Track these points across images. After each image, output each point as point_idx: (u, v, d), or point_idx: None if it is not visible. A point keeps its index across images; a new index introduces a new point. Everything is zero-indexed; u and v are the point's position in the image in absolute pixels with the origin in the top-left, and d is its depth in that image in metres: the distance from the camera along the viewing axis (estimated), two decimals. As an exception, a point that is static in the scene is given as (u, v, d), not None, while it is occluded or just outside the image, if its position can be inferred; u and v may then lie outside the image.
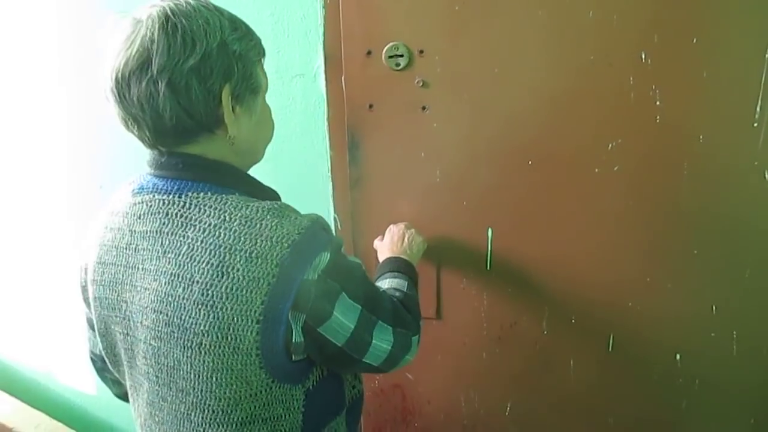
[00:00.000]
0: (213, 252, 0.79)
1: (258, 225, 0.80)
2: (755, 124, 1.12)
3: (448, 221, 1.34)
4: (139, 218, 0.86)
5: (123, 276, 0.87)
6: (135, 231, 0.86)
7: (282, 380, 0.85)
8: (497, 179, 1.28)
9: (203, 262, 0.80)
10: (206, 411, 0.85)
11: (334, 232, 1.36)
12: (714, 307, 1.26)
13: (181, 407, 0.87)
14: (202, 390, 0.84)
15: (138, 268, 0.85)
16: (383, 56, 1.24)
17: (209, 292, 0.79)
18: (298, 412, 0.89)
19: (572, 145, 1.22)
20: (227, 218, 0.81)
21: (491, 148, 1.26)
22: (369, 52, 1.25)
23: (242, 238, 0.79)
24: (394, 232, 1.28)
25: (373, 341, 0.91)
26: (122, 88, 0.78)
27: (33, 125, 1.83)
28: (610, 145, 1.20)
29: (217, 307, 0.79)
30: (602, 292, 1.31)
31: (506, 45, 1.18)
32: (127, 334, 0.90)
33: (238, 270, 0.78)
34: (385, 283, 1.11)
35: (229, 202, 0.82)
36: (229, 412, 0.84)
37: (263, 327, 0.79)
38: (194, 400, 0.85)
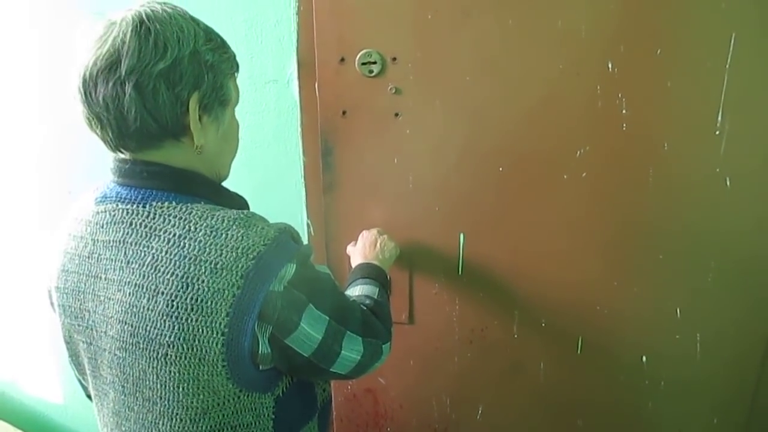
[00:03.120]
0: (177, 263, 0.79)
1: (223, 235, 0.79)
2: (717, 132, 1.16)
3: (421, 227, 1.35)
4: (102, 227, 0.85)
5: (85, 285, 0.86)
6: (98, 240, 0.85)
7: (250, 389, 0.85)
8: (469, 185, 1.30)
9: (168, 273, 0.79)
10: (174, 420, 0.84)
11: (306, 238, 1.38)
12: (678, 310, 1.30)
13: (148, 416, 0.86)
14: (169, 399, 0.83)
15: (101, 277, 0.84)
16: (356, 63, 1.25)
17: (174, 303, 0.78)
18: (268, 419, 0.89)
19: (542, 151, 1.25)
20: (192, 228, 0.80)
21: (463, 155, 1.28)
22: (342, 59, 1.25)
23: (207, 249, 0.78)
24: (366, 237, 1.29)
25: (342, 351, 0.90)
26: (89, 87, 0.77)
27: (6, 133, 1.80)
28: (578, 152, 1.23)
29: (182, 319, 0.78)
30: (571, 296, 1.34)
31: (477, 53, 1.20)
32: (90, 343, 0.89)
33: (203, 281, 0.77)
34: (356, 290, 1.11)
35: (194, 212, 0.81)
36: (197, 420, 0.84)
37: (228, 339, 0.78)
38: (161, 410, 0.85)
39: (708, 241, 1.24)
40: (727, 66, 1.12)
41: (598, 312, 1.34)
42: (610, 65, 1.16)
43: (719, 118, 1.15)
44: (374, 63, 1.24)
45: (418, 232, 1.36)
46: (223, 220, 0.81)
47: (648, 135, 1.19)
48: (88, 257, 0.86)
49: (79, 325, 0.89)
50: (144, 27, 0.77)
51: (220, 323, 0.77)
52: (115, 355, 0.85)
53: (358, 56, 1.24)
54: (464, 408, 1.49)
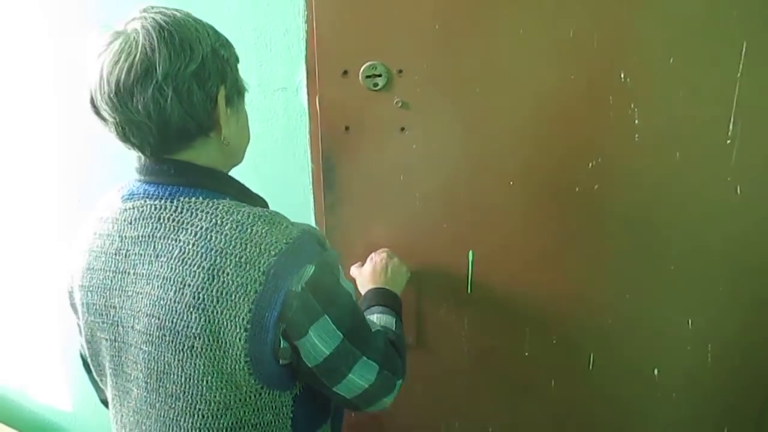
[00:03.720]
0: (204, 255, 0.80)
1: (249, 230, 0.81)
2: (728, 141, 1.15)
3: (429, 245, 1.30)
4: (130, 224, 0.86)
5: (112, 281, 0.87)
6: (125, 236, 0.86)
7: (272, 386, 0.85)
8: (478, 201, 1.26)
9: (195, 265, 0.80)
10: (196, 416, 0.85)
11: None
12: (690, 321, 1.28)
13: (170, 413, 0.87)
14: (192, 394, 0.84)
15: (129, 272, 0.86)
16: (360, 76, 1.19)
17: (200, 295, 0.79)
18: (287, 418, 0.89)
19: (553, 164, 1.22)
20: (219, 222, 0.82)
21: (472, 169, 1.24)
22: (345, 72, 1.20)
23: (233, 242, 0.80)
24: (376, 261, 1.23)
25: (350, 375, 0.88)
26: (124, 97, 0.78)
27: (10, 139, 1.81)
28: (590, 164, 1.20)
29: (208, 310, 0.79)
30: (583, 310, 1.31)
31: (487, 64, 1.16)
32: (115, 340, 0.90)
33: (228, 274, 0.79)
34: (374, 318, 1.06)
35: (221, 207, 0.83)
36: (218, 416, 0.84)
37: (251, 335, 0.79)
38: (184, 405, 0.85)
39: (718, 249, 1.23)
40: (739, 74, 1.12)
41: (610, 326, 1.31)
42: (622, 75, 1.14)
43: (731, 126, 1.15)
44: (379, 76, 1.18)
45: (425, 250, 1.30)
46: (249, 216, 0.82)
47: (660, 145, 1.18)
48: (116, 254, 0.87)
49: (103, 323, 0.90)
50: (167, 32, 0.78)
51: (243, 318, 0.78)
52: (141, 349, 0.86)
53: (362, 69, 1.19)
54: (474, 431, 1.43)
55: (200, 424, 0.85)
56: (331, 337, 0.84)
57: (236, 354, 0.80)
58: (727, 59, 1.11)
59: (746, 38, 1.09)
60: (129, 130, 0.81)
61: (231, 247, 0.80)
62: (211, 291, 0.79)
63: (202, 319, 0.79)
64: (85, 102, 0.82)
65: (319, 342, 0.83)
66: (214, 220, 0.82)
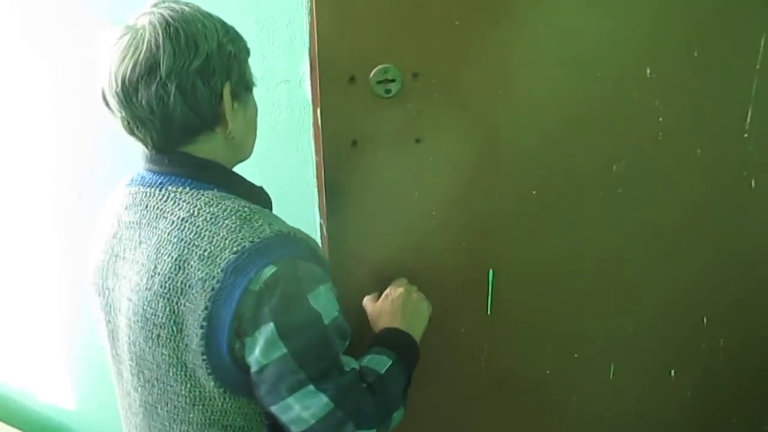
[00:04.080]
0: (175, 245, 0.80)
1: (220, 224, 0.80)
2: (746, 135, 1.13)
3: (447, 266, 1.17)
4: (126, 209, 0.88)
5: (108, 264, 0.89)
6: (122, 221, 0.88)
7: (237, 393, 0.83)
8: (499, 215, 1.15)
9: (165, 254, 0.81)
10: (169, 404, 0.86)
11: (318, 239, 1.21)
12: (705, 319, 1.26)
13: (149, 398, 0.88)
14: (163, 382, 0.85)
15: (120, 256, 0.87)
16: (371, 82, 1.03)
17: (167, 284, 0.80)
18: (261, 426, 0.87)
19: (577, 168, 1.13)
20: (195, 213, 0.81)
21: (493, 179, 1.12)
22: (352, 78, 1.03)
23: (202, 235, 0.79)
24: (393, 297, 1.08)
25: (290, 400, 0.80)
26: (129, 93, 0.79)
27: (10, 134, 1.80)
28: (614, 167, 1.13)
29: (173, 301, 0.79)
30: (606, 321, 1.25)
31: (511, 64, 1.05)
32: (109, 321, 0.92)
33: (192, 267, 0.78)
34: (363, 360, 0.93)
35: (203, 198, 0.83)
36: (188, 410, 0.84)
37: (206, 332, 0.77)
38: (158, 393, 0.86)
39: (733, 243, 1.21)
40: (758, 66, 1.09)
41: (630, 333, 1.26)
42: (648, 71, 1.07)
43: (748, 120, 1.12)
44: (392, 81, 1.03)
45: (443, 271, 1.17)
46: (225, 209, 0.81)
47: (683, 143, 1.13)
48: (113, 237, 0.89)
49: (101, 303, 0.92)
50: (173, 28, 0.78)
51: (200, 315, 0.77)
52: (125, 332, 0.87)
53: (372, 73, 1.03)
54: (494, 459, 1.33)
55: (174, 415, 0.86)
56: (272, 348, 0.78)
57: (195, 351, 0.79)
58: (747, 51, 1.08)
59: (766, 30, 1.06)
60: (134, 125, 0.82)
61: (199, 239, 0.79)
62: (176, 282, 0.79)
63: (168, 309, 0.80)
64: (98, 96, 0.83)
65: (259, 348, 0.78)
66: (191, 210, 0.81)
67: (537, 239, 1.17)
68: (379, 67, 1.03)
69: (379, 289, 1.14)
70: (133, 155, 0.90)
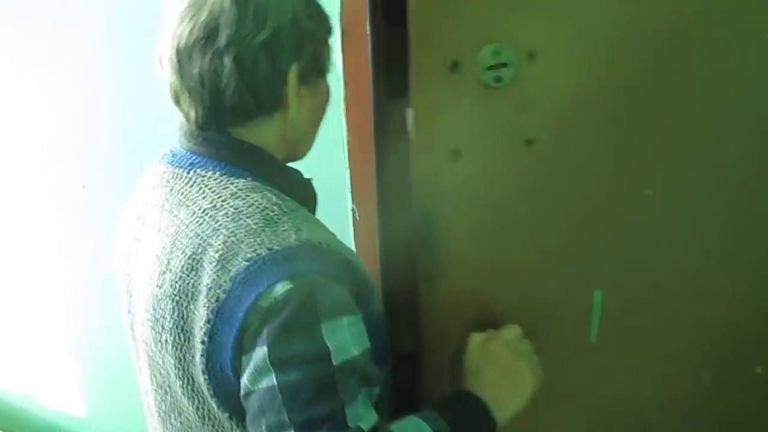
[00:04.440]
0: (191, 240, 0.71)
1: (240, 221, 0.70)
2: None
3: (546, 288, 0.94)
4: (152, 189, 0.79)
5: (130, 248, 0.81)
6: (148, 202, 0.80)
7: (242, 419, 0.69)
8: (612, 222, 0.93)
9: (180, 250, 0.72)
10: (182, 416, 0.77)
11: (351, 225, 1.13)
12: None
13: (162, 406, 0.80)
14: (174, 392, 0.76)
15: (141, 240, 0.79)
16: (479, 68, 0.75)
17: (177, 285, 0.71)
18: None
19: (704, 157, 0.93)
20: (218, 205, 0.72)
21: (612, 182, 0.89)
22: (455, 64, 0.75)
23: (219, 233, 0.70)
24: (496, 355, 0.84)
25: None
26: (183, 58, 0.71)
27: (13, 123, 1.71)
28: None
29: (182, 305, 0.71)
30: (698, 330, 1.06)
31: (646, 38, 0.81)
32: (129, 311, 0.83)
33: (204, 269, 0.69)
34: (396, 423, 0.72)
35: (230, 188, 0.73)
36: (199, 426, 0.75)
37: (208, 349, 0.68)
38: (171, 402, 0.78)
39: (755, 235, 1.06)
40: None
41: (723, 338, 1.09)
42: None
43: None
44: (505, 65, 0.76)
45: (541, 296, 0.94)
46: (251, 205, 0.71)
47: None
48: (137, 219, 0.81)
49: (121, 290, 0.84)
50: None
51: (202, 328, 0.68)
52: (141, 328, 0.79)
53: (480, 56, 0.75)
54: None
55: (187, 427, 0.77)
56: (260, 375, 0.65)
57: (198, 366, 0.69)
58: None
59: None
60: (181, 94, 0.73)
61: (215, 238, 0.69)
62: (187, 284, 0.70)
63: (176, 313, 0.71)
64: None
65: (248, 371, 0.66)
66: (214, 201, 0.72)
67: (649, 246, 0.96)
68: (490, 46, 0.75)
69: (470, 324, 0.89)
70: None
